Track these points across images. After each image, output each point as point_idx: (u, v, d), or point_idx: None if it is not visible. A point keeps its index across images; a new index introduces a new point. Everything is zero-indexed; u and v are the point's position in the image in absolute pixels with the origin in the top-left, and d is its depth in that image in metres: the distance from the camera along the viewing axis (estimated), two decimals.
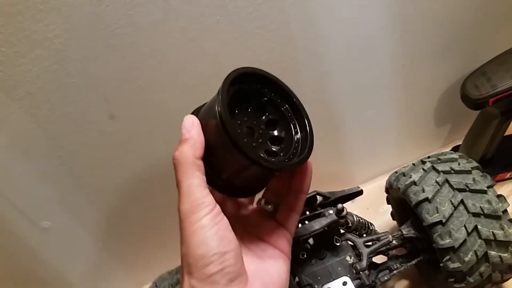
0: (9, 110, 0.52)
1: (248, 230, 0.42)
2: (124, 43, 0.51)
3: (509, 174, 0.80)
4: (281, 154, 0.40)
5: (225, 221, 0.36)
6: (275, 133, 0.41)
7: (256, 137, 0.40)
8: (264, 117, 0.41)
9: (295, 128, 0.42)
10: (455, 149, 0.85)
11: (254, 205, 0.47)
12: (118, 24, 0.50)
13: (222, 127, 0.34)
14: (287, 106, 0.42)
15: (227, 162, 0.38)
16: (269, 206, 0.43)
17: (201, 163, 0.36)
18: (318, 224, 0.52)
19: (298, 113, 0.42)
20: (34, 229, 0.64)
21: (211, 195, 0.36)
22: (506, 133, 0.77)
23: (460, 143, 0.82)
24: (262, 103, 0.41)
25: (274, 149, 0.40)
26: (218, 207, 0.36)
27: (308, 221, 0.54)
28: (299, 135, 0.41)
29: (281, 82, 0.41)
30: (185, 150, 0.36)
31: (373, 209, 0.79)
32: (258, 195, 0.45)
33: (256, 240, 0.42)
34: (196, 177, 0.36)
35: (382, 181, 0.69)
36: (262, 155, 0.38)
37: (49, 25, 0.48)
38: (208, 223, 0.35)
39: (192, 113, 0.40)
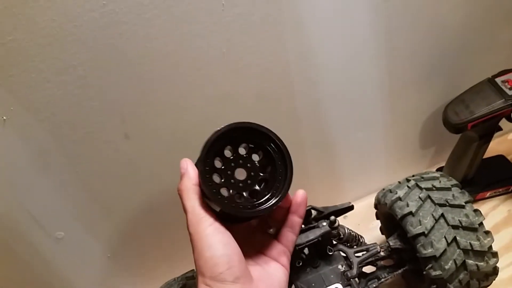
0: (34, 129, 0.57)
1: (255, 248, 0.49)
2: (141, 71, 0.57)
3: (488, 193, 0.85)
4: (265, 193, 0.47)
5: (227, 233, 0.43)
6: (264, 175, 0.47)
7: (247, 177, 0.47)
8: (256, 162, 0.47)
9: (280, 172, 0.47)
10: (439, 170, 0.90)
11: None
12: (136, 55, 0.56)
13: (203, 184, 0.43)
14: (277, 151, 0.47)
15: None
16: (271, 230, 0.51)
17: (198, 188, 0.45)
18: (313, 235, 0.58)
19: (283, 159, 0.47)
20: (48, 239, 0.68)
21: (210, 214, 0.44)
22: (485, 156, 0.83)
23: (444, 164, 0.88)
24: (256, 149, 0.47)
25: (258, 188, 0.47)
26: (217, 223, 0.43)
27: (303, 233, 0.59)
28: (281, 179, 0.47)
29: (270, 131, 0.47)
30: (185, 181, 0.45)
31: (364, 225, 0.83)
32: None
33: (261, 255, 0.49)
34: (195, 200, 0.44)
35: (371, 200, 0.73)
36: (245, 195, 0.46)
37: (74, 54, 0.53)
38: (212, 231, 0.42)
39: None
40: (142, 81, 0.58)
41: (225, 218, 0.45)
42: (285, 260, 0.49)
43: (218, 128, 0.44)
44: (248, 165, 0.47)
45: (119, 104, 0.59)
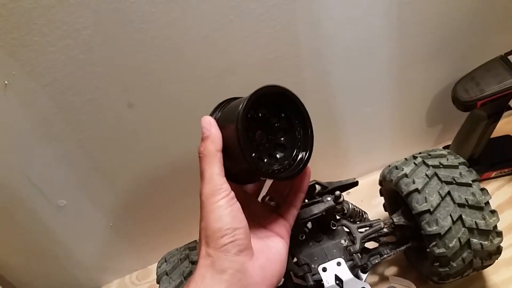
0: (36, 95, 0.56)
1: (255, 220, 0.49)
2: (146, 37, 0.56)
3: (494, 173, 0.85)
4: (283, 161, 0.47)
5: (237, 205, 0.43)
6: (282, 142, 0.48)
7: (266, 141, 0.47)
8: (277, 125, 0.47)
9: (299, 144, 0.48)
10: (445, 149, 0.89)
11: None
12: (141, 20, 0.54)
13: (237, 140, 0.42)
14: (300, 124, 0.48)
15: (233, 159, 0.44)
16: (272, 203, 0.51)
17: (221, 155, 0.44)
18: (317, 209, 0.57)
19: (306, 132, 0.48)
20: (50, 206, 0.68)
21: (227, 183, 0.43)
22: (493, 136, 0.82)
23: (450, 143, 0.87)
24: (280, 115, 0.47)
25: (277, 155, 0.47)
26: (232, 193, 0.43)
27: (307, 207, 0.59)
28: (301, 154, 0.48)
29: (301, 103, 0.47)
30: (208, 144, 0.43)
31: (367, 202, 0.83)
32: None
33: (261, 228, 0.49)
34: (216, 167, 0.43)
35: (375, 176, 0.73)
36: (265, 160, 0.46)
37: (78, 18, 0.52)
38: (224, 204, 0.42)
39: (214, 110, 0.48)
40: (146, 47, 0.57)
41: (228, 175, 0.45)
42: (285, 233, 0.50)
43: (253, 92, 0.43)
44: (269, 128, 0.46)
45: (123, 71, 0.58)
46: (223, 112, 0.47)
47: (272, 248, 0.47)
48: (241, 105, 0.42)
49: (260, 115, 0.46)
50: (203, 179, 0.43)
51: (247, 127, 0.44)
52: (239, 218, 0.43)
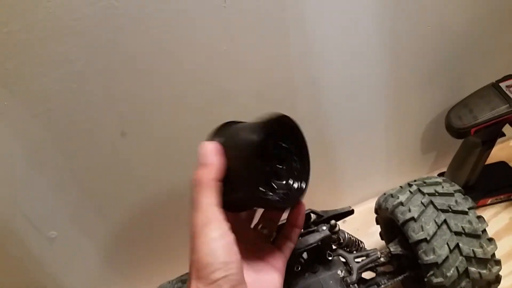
0: (29, 125, 0.56)
1: (249, 249, 0.47)
2: (139, 67, 0.56)
3: (490, 200, 0.84)
4: (277, 191, 0.46)
5: (232, 237, 0.41)
6: (281, 172, 0.47)
7: (267, 169, 0.46)
8: (276, 154, 0.47)
9: (294, 175, 0.48)
10: (440, 176, 0.89)
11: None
12: (135, 50, 0.55)
13: (247, 171, 0.41)
14: (297, 154, 0.48)
15: (235, 188, 0.43)
16: (265, 230, 0.50)
17: (220, 184, 0.42)
18: (312, 239, 0.56)
19: (303, 164, 0.48)
20: (41, 238, 0.66)
21: (223, 215, 0.41)
22: (487, 162, 0.82)
23: (445, 170, 0.87)
24: (281, 146, 0.47)
25: (274, 185, 0.46)
26: (228, 224, 0.41)
27: (303, 237, 0.58)
28: (297, 185, 0.48)
29: (303, 136, 0.47)
30: (205, 174, 0.41)
31: (363, 230, 0.82)
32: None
33: (256, 259, 0.47)
34: (214, 198, 0.41)
35: (371, 204, 0.72)
36: (263, 190, 0.44)
37: (72, 48, 0.52)
38: (217, 236, 0.40)
39: (215, 134, 0.46)
40: (140, 77, 0.57)
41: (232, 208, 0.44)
42: (281, 266, 0.49)
43: (266, 121, 0.42)
44: (268, 156, 0.46)
45: (117, 101, 0.58)
46: (227, 137, 0.45)
47: (266, 280, 0.46)
48: (253, 134, 0.41)
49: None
50: (197, 209, 0.41)
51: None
52: (233, 251, 0.40)
